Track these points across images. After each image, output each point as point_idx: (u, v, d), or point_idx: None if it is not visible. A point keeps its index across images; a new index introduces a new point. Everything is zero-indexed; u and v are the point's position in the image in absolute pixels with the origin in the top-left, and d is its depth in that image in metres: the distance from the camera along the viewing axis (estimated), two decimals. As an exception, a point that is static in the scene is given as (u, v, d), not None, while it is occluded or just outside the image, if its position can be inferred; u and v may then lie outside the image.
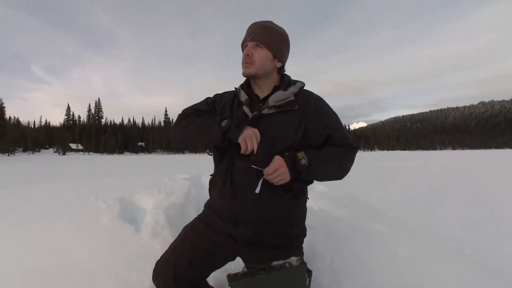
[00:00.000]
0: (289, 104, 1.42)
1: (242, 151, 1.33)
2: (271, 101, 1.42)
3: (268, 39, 1.47)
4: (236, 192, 1.41)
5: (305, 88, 1.53)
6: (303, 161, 1.35)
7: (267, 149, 1.37)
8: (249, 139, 1.32)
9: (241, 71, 1.50)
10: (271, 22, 1.51)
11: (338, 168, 1.45)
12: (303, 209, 1.56)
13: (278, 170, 1.32)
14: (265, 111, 1.41)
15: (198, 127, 1.44)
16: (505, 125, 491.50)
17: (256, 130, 1.35)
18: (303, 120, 1.43)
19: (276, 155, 1.35)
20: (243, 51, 1.52)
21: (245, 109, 1.44)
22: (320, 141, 1.46)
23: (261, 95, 1.50)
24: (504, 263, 3.46)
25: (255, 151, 1.33)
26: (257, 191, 1.34)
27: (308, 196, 1.60)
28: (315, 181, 1.53)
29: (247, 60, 1.46)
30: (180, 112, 1.58)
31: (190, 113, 1.54)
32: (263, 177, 1.34)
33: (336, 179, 1.49)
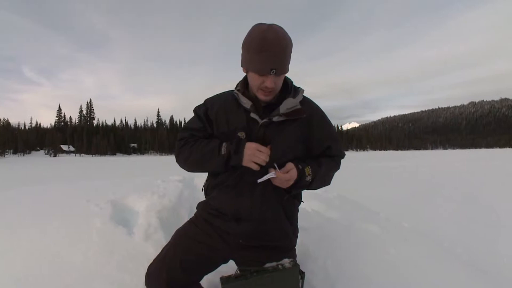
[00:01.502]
0: (298, 112, 1.41)
1: (254, 169, 1.35)
2: (282, 108, 1.38)
3: (287, 65, 1.36)
4: (243, 189, 1.42)
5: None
6: (308, 178, 1.39)
7: (279, 154, 1.39)
8: (254, 158, 1.32)
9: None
10: (284, 35, 1.30)
11: (327, 181, 1.55)
12: (297, 211, 1.60)
13: (289, 181, 1.35)
14: (275, 119, 1.39)
15: (199, 158, 1.43)
16: (494, 124, 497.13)
17: (254, 145, 1.33)
18: (309, 129, 1.45)
19: (291, 163, 1.37)
20: (249, 64, 1.36)
21: (254, 115, 1.40)
22: (320, 150, 1.51)
23: (262, 101, 1.43)
24: (496, 262, 3.50)
25: (265, 163, 1.34)
26: (259, 180, 1.34)
27: (302, 200, 1.62)
28: None
29: (270, 91, 1.37)
30: (177, 136, 1.55)
31: (187, 138, 1.50)
32: (272, 175, 1.34)
33: (320, 187, 1.56)
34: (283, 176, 1.33)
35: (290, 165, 1.36)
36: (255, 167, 1.33)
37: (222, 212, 1.47)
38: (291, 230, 1.54)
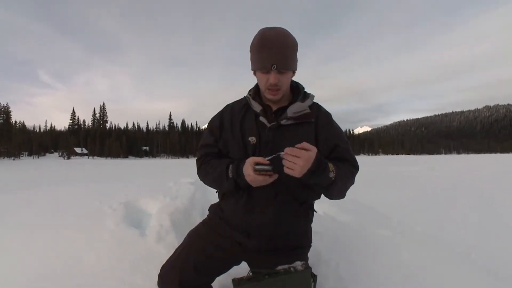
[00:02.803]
0: (306, 116, 1.41)
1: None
2: (290, 112, 1.39)
3: (290, 62, 1.36)
4: (251, 205, 1.41)
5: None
6: (331, 174, 1.28)
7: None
8: (257, 183, 1.29)
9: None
10: (285, 33, 1.34)
11: (345, 188, 1.42)
12: (311, 222, 1.57)
13: (298, 159, 1.19)
14: (283, 122, 1.39)
15: (213, 182, 1.48)
16: (510, 129, 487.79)
17: (248, 170, 1.28)
18: (316, 131, 1.43)
19: (313, 146, 1.24)
20: (254, 64, 1.39)
21: (263, 119, 1.41)
22: (327, 151, 1.43)
23: (273, 106, 1.46)
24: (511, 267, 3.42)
25: (270, 178, 1.28)
26: (266, 158, 1.26)
27: (316, 210, 1.60)
28: None
29: (275, 87, 1.36)
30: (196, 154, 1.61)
31: (203, 158, 1.54)
32: (281, 153, 1.23)
33: (337, 199, 1.44)
34: (295, 148, 1.21)
35: (310, 146, 1.23)
36: (262, 183, 1.29)
37: (232, 223, 1.47)
38: (304, 242, 1.53)
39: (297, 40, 1.39)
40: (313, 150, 1.22)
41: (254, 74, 1.44)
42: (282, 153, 1.23)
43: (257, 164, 1.27)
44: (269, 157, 1.26)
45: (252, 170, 1.26)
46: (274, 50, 1.31)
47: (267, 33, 1.33)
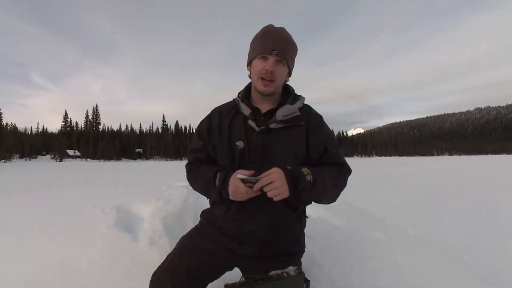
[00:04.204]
0: (296, 119, 1.40)
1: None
2: (279, 115, 1.38)
3: (290, 56, 1.40)
4: (243, 213, 1.39)
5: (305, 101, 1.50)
6: (308, 177, 1.26)
7: (277, 162, 1.29)
8: (237, 197, 1.28)
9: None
10: (288, 33, 1.41)
11: (334, 189, 1.40)
12: (304, 228, 1.56)
13: (273, 183, 1.20)
14: (272, 126, 1.37)
15: (201, 189, 1.47)
16: (501, 131, 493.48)
17: (236, 183, 1.26)
18: (306, 134, 1.41)
19: (274, 167, 1.24)
20: (253, 52, 1.41)
21: (251, 123, 1.39)
22: (317, 155, 1.42)
23: (262, 109, 1.45)
24: (503, 269, 3.45)
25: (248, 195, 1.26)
26: (240, 177, 1.25)
27: (307, 215, 1.59)
28: None
29: (270, 77, 1.36)
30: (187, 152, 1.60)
31: (192, 164, 1.54)
32: (242, 176, 1.25)
33: (329, 202, 1.44)
34: (263, 179, 1.21)
35: (272, 169, 1.23)
36: (241, 199, 1.29)
37: (224, 230, 1.46)
38: (297, 248, 1.52)
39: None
40: (275, 169, 1.23)
41: (249, 69, 1.46)
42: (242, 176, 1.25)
43: (250, 176, 1.25)
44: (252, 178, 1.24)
45: (240, 181, 1.25)
46: (276, 39, 1.37)
47: (271, 27, 1.41)
